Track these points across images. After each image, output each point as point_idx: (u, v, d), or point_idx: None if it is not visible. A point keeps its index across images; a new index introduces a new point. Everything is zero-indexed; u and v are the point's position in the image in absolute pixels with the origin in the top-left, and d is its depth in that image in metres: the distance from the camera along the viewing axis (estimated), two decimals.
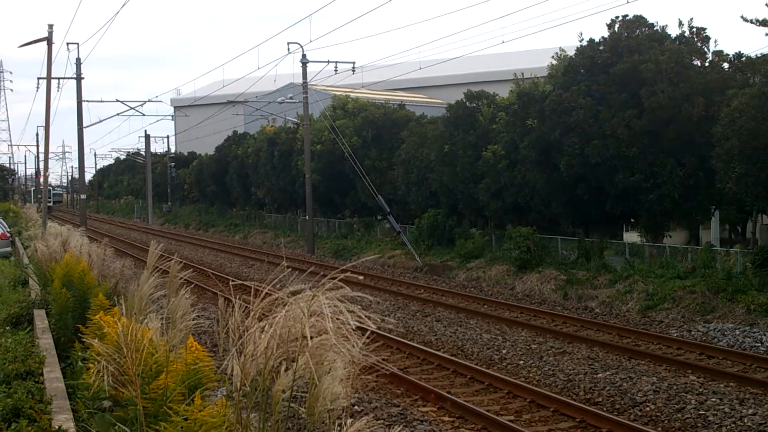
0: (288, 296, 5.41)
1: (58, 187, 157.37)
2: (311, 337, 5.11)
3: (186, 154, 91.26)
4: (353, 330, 5.12)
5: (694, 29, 29.11)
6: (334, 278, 5.29)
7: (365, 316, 5.17)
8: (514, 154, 32.59)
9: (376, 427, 5.02)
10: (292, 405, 5.48)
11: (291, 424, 5.80)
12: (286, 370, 5.41)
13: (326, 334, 5.05)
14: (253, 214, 64.66)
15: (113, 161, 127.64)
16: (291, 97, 50.40)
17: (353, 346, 5.10)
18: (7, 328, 13.75)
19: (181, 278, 7.95)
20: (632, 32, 29.73)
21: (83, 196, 47.45)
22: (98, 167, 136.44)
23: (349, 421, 4.96)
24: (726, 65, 28.50)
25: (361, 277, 5.57)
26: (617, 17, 30.11)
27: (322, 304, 5.09)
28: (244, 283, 6.08)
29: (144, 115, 59.62)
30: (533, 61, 62.14)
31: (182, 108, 76.55)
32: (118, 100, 52.11)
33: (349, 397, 5.43)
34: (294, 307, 5.22)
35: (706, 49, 28.93)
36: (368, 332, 5.19)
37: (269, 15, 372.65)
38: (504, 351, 18.66)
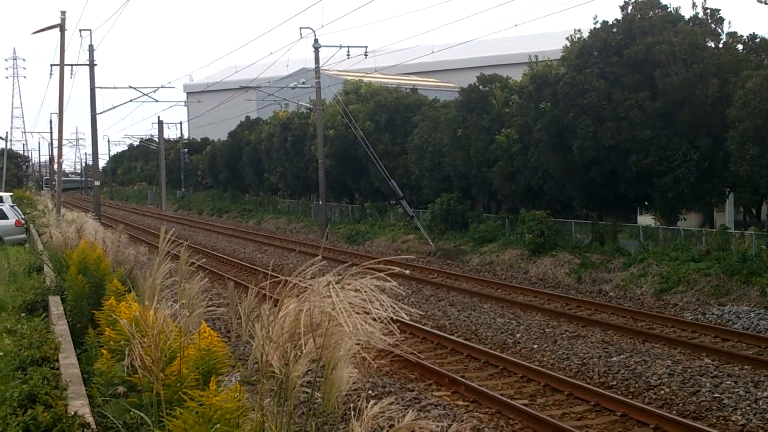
0: (304, 282, 5.38)
1: (72, 174, 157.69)
2: (327, 322, 5.09)
3: (199, 140, 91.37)
4: (374, 318, 5.07)
5: (708, 11, 28.89)
6: (369, 269, 5.17)
7: (384, 306, 5.11)
8: (528, 138, 32.48)
9: (394, 411, 4.99)
10: (306, 390, 5.48)
11: (305, 408, 5.80)
12: (298, 356, 5.39)
13: (342, 318, 5.03)
14: (266, 200, 64.81)
15: (126, 147, 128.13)
16: (303, 82, 50.25)
17: (372, 332, 5.07)
18: (23, 314, 13.85)
19: (195, 264, 7.95)
20: (646, 14, 29.52)
21: (97, 183, 47.59)
22: (112, 153, 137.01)
23: (370, 403, 4.93)
24: (740, 47, 28.24)
25: (407, 271, 5.47)
26: None
27: (335, 290, 5.06)
28: (256, 268, 6.08)
29: (157, 101, 59.77)
30: (546, 44, 61.79)
31: (195, 94, 76.73)
32: (131, 87, 52.14)
33: (364, 382, 5.42)
34: (311, 294, 5.19)
35: (720, 30, 28.70)
36: (386, 319, 5.14)
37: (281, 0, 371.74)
38: (518, 335, 18.66)
